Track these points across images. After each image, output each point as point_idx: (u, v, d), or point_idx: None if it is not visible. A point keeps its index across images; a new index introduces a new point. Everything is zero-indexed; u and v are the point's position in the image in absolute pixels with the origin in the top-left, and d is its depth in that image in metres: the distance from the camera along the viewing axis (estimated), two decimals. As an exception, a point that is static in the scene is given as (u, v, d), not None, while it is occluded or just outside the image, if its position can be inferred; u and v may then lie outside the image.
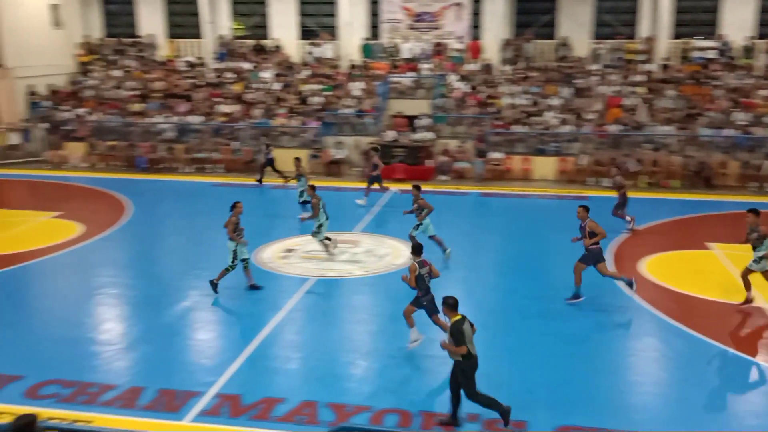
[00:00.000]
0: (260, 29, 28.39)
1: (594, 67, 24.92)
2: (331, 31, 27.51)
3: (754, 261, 11.05)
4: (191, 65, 27.72)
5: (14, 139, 23.67)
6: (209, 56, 27.98)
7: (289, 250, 14.24)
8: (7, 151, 23.54)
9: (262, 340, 9.96)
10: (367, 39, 27.07)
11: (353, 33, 27.05)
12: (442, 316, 8.91)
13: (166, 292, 11.96)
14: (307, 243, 14.53)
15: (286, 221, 16.75)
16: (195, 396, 8.29)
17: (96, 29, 29.18)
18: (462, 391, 7.67)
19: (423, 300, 9.56)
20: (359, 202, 18.30)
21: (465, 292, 11.72)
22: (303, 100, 24.70)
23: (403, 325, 9.79)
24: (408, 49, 26.42)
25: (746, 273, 11.19)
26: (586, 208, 11.25)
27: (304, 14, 27.82)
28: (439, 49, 26.31)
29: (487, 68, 25.53)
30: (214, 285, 11.77)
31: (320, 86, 25.42)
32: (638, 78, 23.99)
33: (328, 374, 8.94)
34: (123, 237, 15.51)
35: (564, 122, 22.47)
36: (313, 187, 13.88)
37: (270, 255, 13.91)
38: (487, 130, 22.42)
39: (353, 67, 26.36)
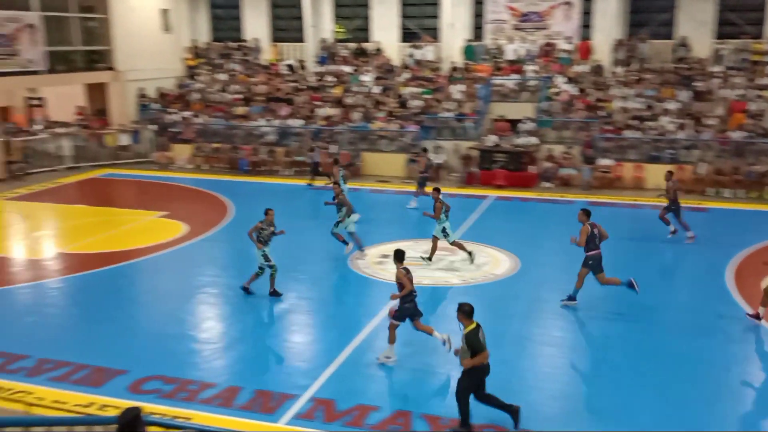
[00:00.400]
0: (361, 32, 28.85)
1: (716, 68, 23.62)
2: (432, 33, 27.56)
3: None
4: (293, 69, 28.54)
5: (124, 140, 25.16)
6: (311, 60, 28.70)
7: (385, 256, 14.32)
8: (118, 151, 25.07)
9: (357, 346, 10.07)
10: (470, 40, 26.92)
11: (455, 34, 26.98)
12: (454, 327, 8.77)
13: (265, 294, 12.31)
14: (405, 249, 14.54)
15: (381, 226, 16.87)
16: (290, 399, 8.48)
17: (203, 33, 30.61)
18: (478, 394, 7.66)
19: (407, 306, 9.56)
20: (411, 205, 18.54)
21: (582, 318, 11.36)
22: (402, 104, 24.87)
23: (502, 337, 9.61)
24: (512, 50, 26.05)
25: None
26: (587, 212, 11.32)
27: (405, 16, 28.03)
28: (546, 50, 25.77)
29: (598, 70, 24.76)
30: (245, 289, 11.95)
31: (420, 89, 25.51)
32: (765, 81, 22.53)
33: (423, 384, 8.91)
34: (225, 237, 16.12)
35: (681, 128, 21.41)
36: (438, 190, 13.70)
37: (366, 260, 14.04)
38: (596, 136, 21.71)
39: (454, 69, 26.27)
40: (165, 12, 28.66)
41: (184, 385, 8.84)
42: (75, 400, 8.41)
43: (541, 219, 14.11)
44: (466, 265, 13.64)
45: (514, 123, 23.12)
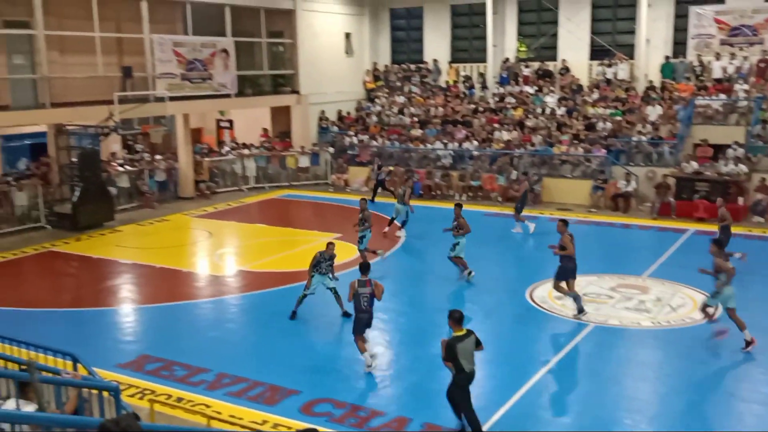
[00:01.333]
0: (547, 50, 28.52)
1: None
2: (626, 50, 26.60)
3: None
4: (471, 89, 28.84)
5: (304, 161, 26.79)
6: (491, 80, 28.84)
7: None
8: (297, 172, 26.72)
9: (532, 386, 9.85)
10: (669, 57, 25.61)
11: (652, 51, 25.82)
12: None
13: (435, 323, 12.44)
14: (587, 284, 14.09)
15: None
16: (460, 436, 8.47)
17: (384, 56, 31.90)
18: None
19: (361, 318, 10.25)
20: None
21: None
22: (589, 126, 24.17)
23: (701, 390, 8.94)
24: (720, 67, 24.39)
25: None
26: (565, 222, 12.91)
27: (596, 33, 27.31)
28: (760, 68, 23.84)
29: (824, 89, 22.49)
30: (293, 313, 12.48)
31: (609, 111, 24.65)
32: None
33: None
34: (395, 263, 16.55)
35: None
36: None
37: (544, 294, 13.74)
38: (821, 165, 19.67)
39: (651, 88, 25.11)
40: (348, 36, 30.27)
41: (354, 411, 9.16)
42: (250, 416, 9.02)
43: (749, 258, 12.95)
44: (659, 306, 12.88)
45: (719, 148, 21.57)
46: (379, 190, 22.90)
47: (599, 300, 13.31)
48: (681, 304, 13.08)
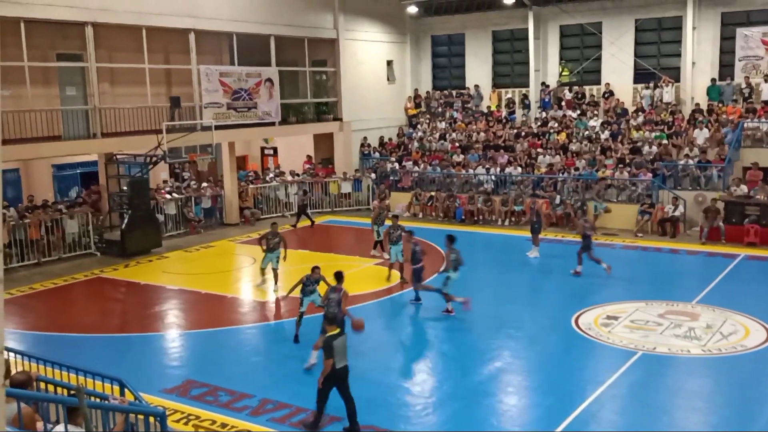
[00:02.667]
0: (590, 74, 28.35)
1: None
2: (672, 73, 26.27)
3: None
4: (512, 114, 28.77)
5: (346, 187, 26.99)
6: (533, 105, 28.74)
7: (611, 317, 13.66)
8: (339, 198, 26.92)
9: (578, 415, 9.64)
10: (716, 80, 25.20)
11: (698, 74, 25.45)
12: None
13: (478, 349, 12.34)
14: (634, 311, 13.82)
15: (607, 284, 16.15)
16: (503, 466, 8.33)
17: (425, 83, 32.10)
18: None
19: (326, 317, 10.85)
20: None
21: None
22: (634, 150, 23.84)
23: (753, 421, 8.63)
24: (768, 89, 23.91)
25: None
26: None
27: (640, 56, 27.06)
28: (811, 89, 23.30)
29: None
30: (295, 337, 12.77)
31: (654, 134, 24.31)
32: None
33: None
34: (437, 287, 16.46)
35: None
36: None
37: (590, 321, 13.50)
38: None
39: (697, 111, 24.70)
40: (390, 63, 30.58)
41: (395, 439, 9.09)
42: (292, 442, 9.01)
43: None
44: (710, 334, 12.55)
45: (769, 172, 21.07)
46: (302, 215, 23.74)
47: (647, 327, 13.03)
48: (732, 331, 12.70)
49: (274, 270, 16.36)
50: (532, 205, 19.22)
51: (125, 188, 20.71)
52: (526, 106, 28.97)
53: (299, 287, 12.80)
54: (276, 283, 16.34)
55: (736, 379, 10.77)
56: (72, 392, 6.95)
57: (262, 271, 16.61)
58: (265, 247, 16.26)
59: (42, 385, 7.89)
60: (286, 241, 16.53)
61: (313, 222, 23.89)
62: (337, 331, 9.22)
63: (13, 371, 7.35)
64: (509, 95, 29.80)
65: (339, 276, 11.73)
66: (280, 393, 10.56)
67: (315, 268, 12.93)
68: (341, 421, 9.38)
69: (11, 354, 9.27)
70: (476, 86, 30.35)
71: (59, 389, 7.82)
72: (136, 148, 20.99)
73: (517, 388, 10.94)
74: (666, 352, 11.86)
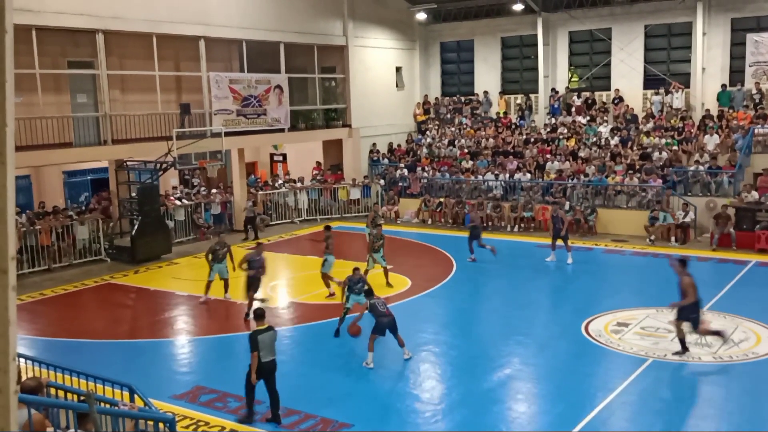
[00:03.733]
0: (599, 80, 28.31)
1: None
2: (681, 79, 26.19)
3: None
4: (522, 119, 28.74)
5: (355, 194, 27.01)
6: (542, 111, 28.70)
7: (622, 324, 13.59)
8: (348, 205, 26.93)
9: (588, 422, 9.59)
10: (726, 86, 25.11)
11: (709, 79, 25.38)
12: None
13: (487, 356, 12.30)
14: (645, 317, 13.75)
15: (618, 291, 16.09)
16: (513, 473, 8.29)
17: (434, 89, 32.13)
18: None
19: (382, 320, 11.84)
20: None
21: None
22: (644, 156, 23.76)
23: (763, 427, 8.56)
24: (779, 95, 23.80)
25: None
26: (684, 263, 11.90)
27: (650, 62, 27.00)
28: (822, 94, 23.18)
29: None
30: (336, 331, 13.32)
31: (664, 140, 24.22)
32: None
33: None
34: (447, 294, 16.46)
35: None
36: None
37: (600, 328, 13.44)
38: None
39: (708, 117, 24.61)
40: (399, 70, 30.62)
41: (404, 446, 9.07)
42: (301, 448, 9.01)
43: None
44: (721, 341, 12.46)
45: (780, 177, 20.94)
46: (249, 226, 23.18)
47: (658, 334, 12.96)
48: (743, 338, 12.61)
49: (225, 280, 15.83)
50: (554, 213, 18.90)
51: (135, 194, 20.81)
52: (528, 108, 28.93)
53: (346, 288, 13.41)
54: (226, 292, 15.91)
55: (747, 386, 10.69)
56: (82, 398, 6.97)
57: (209, 284, 15.74)
58: (211, 259, 15.66)
59: (52, 390, 7.92)
60: (232, 252, 15.94)
61: (257, 238, 22.35)
62: (265, 326, 9.75)
63: (24, 377, 7.38)
64: (519, 101, 29.76)
65: (369, 291, 12.55)
66: (289, 400, 10.54)
67: (356, 269, 13.54)
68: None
69: (21, 360, 9.31)
70: (485, 92, 30.35)
71: (69, 395, 7.85)
72: (146, 155, 21.10)
73: (526, 395, 10.90)
74: (677, 359, 11.78)
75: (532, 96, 29.23)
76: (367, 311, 12.26)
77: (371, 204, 26.90)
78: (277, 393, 9.78)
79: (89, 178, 25.71)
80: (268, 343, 9.65)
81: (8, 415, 1.37)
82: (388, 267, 16.92)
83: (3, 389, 1.35)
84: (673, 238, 20.55)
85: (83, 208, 22.54)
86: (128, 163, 21.53)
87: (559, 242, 18.54)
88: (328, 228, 16.67)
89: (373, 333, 11.89)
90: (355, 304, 13.35)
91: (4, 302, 1.35)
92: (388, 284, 16.62)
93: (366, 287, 12.90)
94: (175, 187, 25.23)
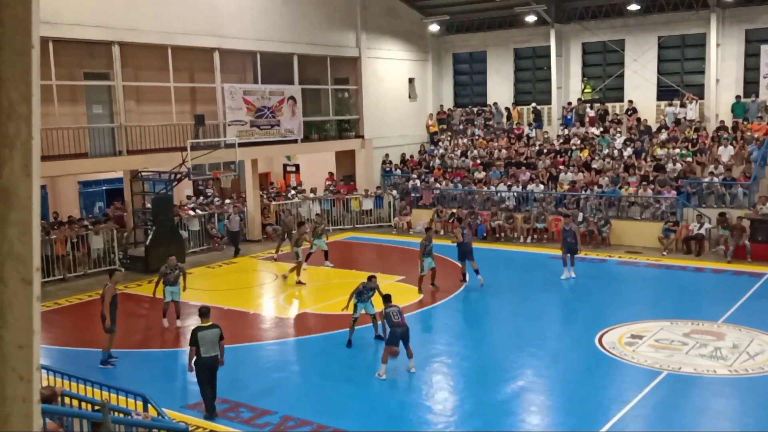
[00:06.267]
0: (612, 91, 28.26)
1: None
2: (695, 90, 26.10)
3: None
4: (539, 123, 28.73)
5: (367, 204, 27.05)
6: (555, 122, 28.67)
7: (636, 336, 13.50)
8: (361, 215, 26.99)
9: (602, 436, 9.53)
10: (740, 97, 24.99)
11: (723, 91, 25.27)
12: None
13: (500, 367, 12.26)
14: (659, 330, 13.65)
15: (632, 303, 16.00)
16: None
17: (447, 100, 32.18)
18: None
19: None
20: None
21: None
22: (658, 167, 23.67)
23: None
24: (794, 106, 23.65)
25: None
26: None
27: (664, 73, 26.93)
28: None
29: None
30: (348, 342, 13.18)
31: (678, 151, 24.12)
32: None
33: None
34: (459, 306, 16.43)
35: None
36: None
37: (614, 340, 13.36)
38: None
39: (722, 129, 24.49)
40: (411, 81, 30.71)
41: (416, 458, 9.04)
42: (313, 459, 9.00)
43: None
44: (736, 354, 12.36)
45: (796, 189, 20.78)
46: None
47: (672, 346, 12.86)
48: (759, 351, 12.50)
49: (176, 303, 15.04)
50: (567, 225, 18.15)
51: (149, 205, 20.94)
52: (537, 114, 28.92)
53: (354, 295, 13.35)
54: (178, 317, 15.14)
55: (763, 400, 10.58)
56: (96, 407, 7.01)
57: (167, 305, 15.05)
58: (161, 282, 14.97)
59: (67, 400, 7.97)
60: (185, 273, 15.38)
61: (238, 250, 22.36)
62: (209, 323, 10.32)
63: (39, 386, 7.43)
64: (533, 108, 29.66)
65: (387, 297, 12.51)
66: (301, 410, 10.56)
67: (371, 277, 13.50)
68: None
69: (37, 369, 9.36)
70: (496, 104, 30.36)
71: (84, 404, 7.90)
72: (161, 165, 21.24)
73: (539, 408, 10.84)
74: (691, 372, 11.69)
75: (545, 107, 29.20)
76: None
77: (385, 215, 26.93)
78: (215, 389, 10.34)
79: (104, 188, 25.92)
80: (208, 340, 10.19)
81: (31, 425, 1.39)
82: (430, 269, 17.01)
83: (26, 399, 1.38)
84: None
85: (98, 218, 22.70)
86: (143, 173, 21.69)
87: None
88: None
89: (387, 344, 11.85)
90: (361, 313, 13.34)
91: (28, 312, 1.38)
92: (433, 284, 16.96)
93: (382, 294, 12.81)
94: (189, 197, 25.37)
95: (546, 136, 28.45)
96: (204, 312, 10.61)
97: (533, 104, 29.51)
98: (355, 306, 13.35)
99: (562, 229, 18.62)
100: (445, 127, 31.38)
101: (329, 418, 10.21)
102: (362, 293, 13.37)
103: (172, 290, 15.03)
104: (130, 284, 18.97)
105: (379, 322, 13.07)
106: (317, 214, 23.48)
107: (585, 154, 26.05)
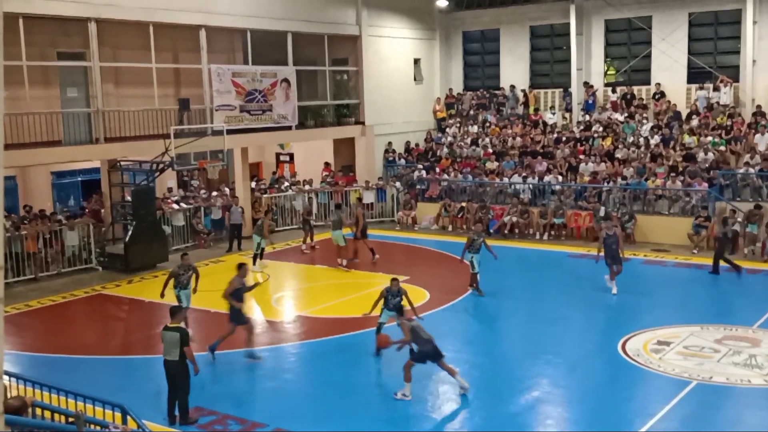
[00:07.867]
0: (638, 73, 28.20)
1: None
2: (730, 72, 26.04)
3: None
4: (553, 114, 28.70)
5: (368, 197, 27.00)
6: (575, 107, 28.62)
7: (662, 342, 13.50)
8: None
9: (626, 452, 9.54)
10: (780, 79, 24.95)
11: (760, 73, 25.21)
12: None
13: (513, 376, 12.27)
14: (689, 335, 13.65)
15: (659, 305, 15.99)
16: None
17: (456, 83, 32.14)
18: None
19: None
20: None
21: None
22: (688, 157, 23.63)
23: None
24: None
25: None
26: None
27: (695, 53, 26.86)
28: None
29: None
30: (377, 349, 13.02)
31: (710, 139, 24.08)
32: None
33: None
34: (468, 308, 16.45)
35: None
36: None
37: (639, 347, 13.35)
38: None
39: (759, 114, 24.43)
40: (417, 62, 30.67)
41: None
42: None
43: None
44: (772, 362, 12.36)
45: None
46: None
47: (702, 354, 12.86)
48: (799, 359, 12.50)
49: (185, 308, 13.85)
50: (610, 230, 17.02)
51: (129, 197, 20.95)
52: (566, 108, 28.89)
53: (381, 301, 13.29)
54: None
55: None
56: (70, 419, 7.02)
57: (186, 311, 13.76)
58: (171, 284, 14.36)
59: (38, 411, 7.98)
60: (198, 273, 14.82)
61: (239, 245, 22.80)
62: (175, 325, 10.64)
63: (8, 396, 7.45)
64: (545, 97, 29.64)
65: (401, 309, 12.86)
66: (295, 422, 10.57)
67: (394, 280, 13.38)
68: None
69: (5, 377, 9.39)
70: (512, 86, 30.31)
71: (57, 416, 7.91)
72: (142, 154, 21.26)
73: (556, 420, 10.86)
74: (724, 381, 11.69)
75: (564, 91, 29.13)
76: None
77: (388, 209, 26.88)
78: (180, 396, 10.58)
79: (80, 179, 25.94)
80: (167, 342, 10.53)
81: (-7, 437, 1.38)
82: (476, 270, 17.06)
83: (-13, 409, 1.37)
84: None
85: (73, 212, 22.73)
86: (122, 163, 21.70)
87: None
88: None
89: (411, 360, 11.44)
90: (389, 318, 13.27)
91: (-11, 315, 1.37)
92: (473, 285, 17.10)
93: (411, 304, 12.94)
94: (171, 189, 25.38)
95: (565, 122, 28.41)
96: (173, 311, 10.93)
97: (549, 94, 29.47)
98: (382, 311, 13.33)
99: (605, 235, 17.02)
100: (453, 112, 31.35)
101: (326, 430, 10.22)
102: (389, 299, 13.19)
103: (187, 293, 14.47)
104: (109, 284, 19.00)
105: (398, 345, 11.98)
106: (267, 211, 22.74)
107: (608, 142, 26.01)
